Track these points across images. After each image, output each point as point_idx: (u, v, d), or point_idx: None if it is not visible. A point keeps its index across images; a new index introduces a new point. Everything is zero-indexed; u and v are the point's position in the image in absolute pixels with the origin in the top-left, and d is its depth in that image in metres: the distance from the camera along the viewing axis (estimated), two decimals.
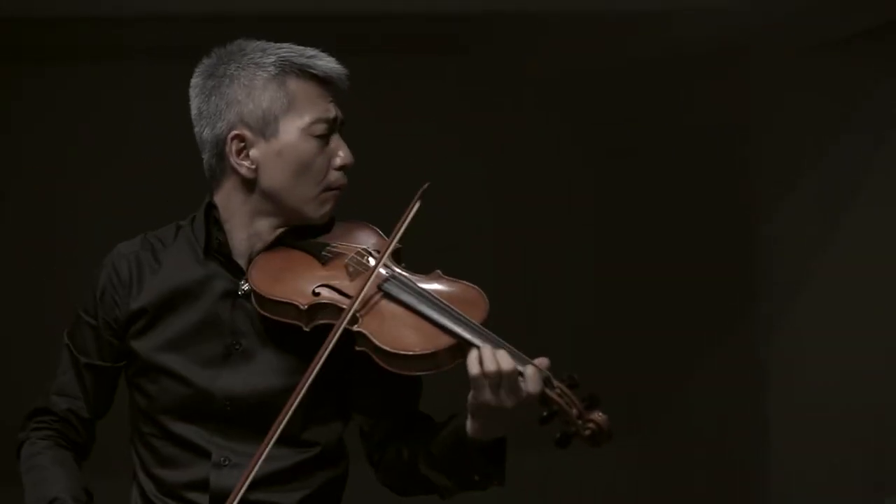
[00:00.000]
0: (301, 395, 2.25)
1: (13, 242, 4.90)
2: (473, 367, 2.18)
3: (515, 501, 5.38)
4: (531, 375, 2.18)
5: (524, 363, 2.19)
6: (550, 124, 5.47)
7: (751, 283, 5.09)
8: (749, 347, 5.13)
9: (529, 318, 5.28)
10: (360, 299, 2.28)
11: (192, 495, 2.37)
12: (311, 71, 2.38)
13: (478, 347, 2.20)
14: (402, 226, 2.36)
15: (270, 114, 2.37)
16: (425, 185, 2.36)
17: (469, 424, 2.24)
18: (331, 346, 2.26)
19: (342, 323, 2.26)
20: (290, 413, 2.24)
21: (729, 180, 5.16)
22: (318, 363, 2.25)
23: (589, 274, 5.55)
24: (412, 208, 2.36)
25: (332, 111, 2.40)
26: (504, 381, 2.17)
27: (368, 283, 2.30)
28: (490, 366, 2.17)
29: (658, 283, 5.42)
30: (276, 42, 2.43)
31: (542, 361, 2.21)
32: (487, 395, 2.18)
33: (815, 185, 4.83)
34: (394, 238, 2.36)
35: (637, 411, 5.55)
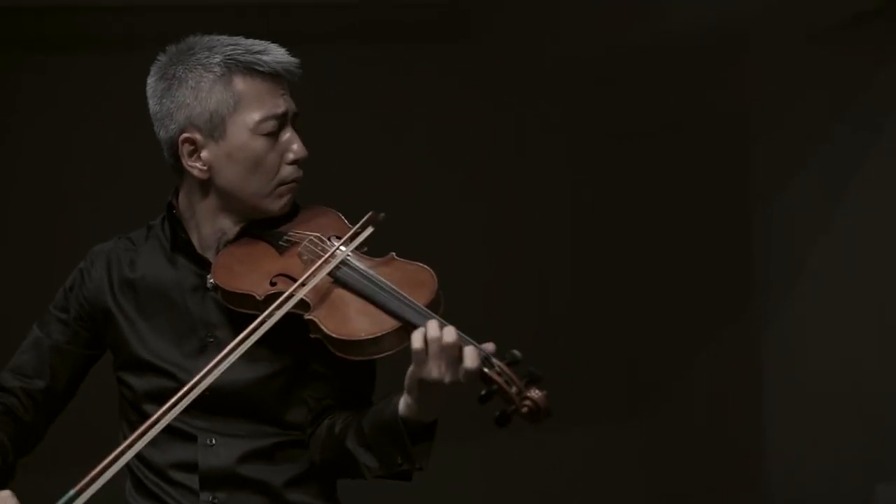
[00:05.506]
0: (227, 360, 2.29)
1: (14, 239, 4.96)
2: (417, 341, 2.20)
3: (515, 484, 5.45)
4: (469, 353, 2.19)
5: (466, 343, 2.21)
6: (546, 112, 5.44)
7: (749, 272, 5.07)
8: (747, 335, 5.12)
9: (535, 308, 5.32)
10: (306, 286, 2.31)
11: (179, 476, 2.42)
12: (257, 68, 2.38)
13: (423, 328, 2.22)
14: (357, 230, 2.38)
15: (218, 116, 2.38)
16: (370, 215, 2.40)
17: (403, 403, 2.26)
18: (270, 323, 2.29)
19: (281, 304, 2.30)
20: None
21: (728, 168, 5.13)
22: (253, 336, 2.29)
23: (589, 262, 5.54)
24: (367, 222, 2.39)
25: (281, 106, 2.40)
26: (446, 354, 2.19)
27: (313, 271, 2.32)
28: (434, 336, 2.19)
29: (658, 272, 5.42)
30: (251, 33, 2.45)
31: (489, 346, 2.22)
32: (428, 369, 2.20)
33: (814, 173, 4.79)
34: (348, 236, 2.38)
35: (636, 400, 5.58)
